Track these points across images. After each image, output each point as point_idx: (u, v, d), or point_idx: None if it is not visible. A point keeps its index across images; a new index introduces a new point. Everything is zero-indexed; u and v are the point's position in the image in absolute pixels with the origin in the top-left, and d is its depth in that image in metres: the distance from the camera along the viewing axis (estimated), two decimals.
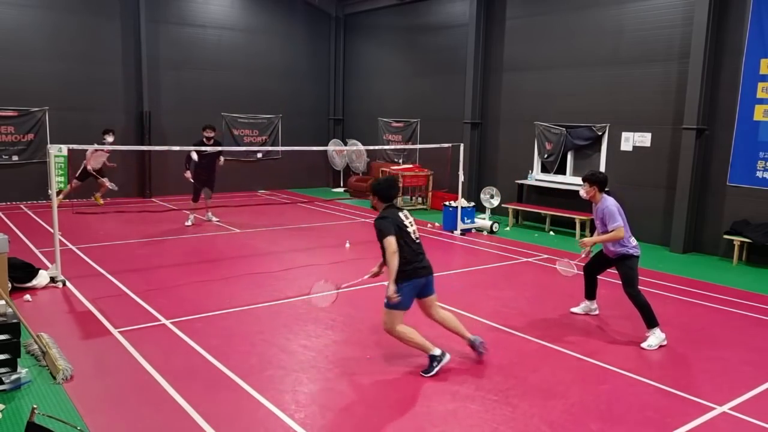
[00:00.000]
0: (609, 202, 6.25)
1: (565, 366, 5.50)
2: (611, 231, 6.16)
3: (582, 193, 6.48)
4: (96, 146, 11.94)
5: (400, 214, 5.30)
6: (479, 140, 14.54)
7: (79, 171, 12.65)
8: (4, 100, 13.76)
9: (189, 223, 11.84)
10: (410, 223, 5.33)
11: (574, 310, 7.05)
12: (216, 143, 11.86)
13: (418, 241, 5.31)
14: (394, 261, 4.99)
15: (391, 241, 5.02)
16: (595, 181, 6.32)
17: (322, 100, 18.99)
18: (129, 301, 7.10)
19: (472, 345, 5.54)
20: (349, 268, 8.96)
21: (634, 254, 6.29)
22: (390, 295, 5.05)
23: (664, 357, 5.81)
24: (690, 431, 4.41)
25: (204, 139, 11.61)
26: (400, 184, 14.84)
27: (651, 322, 6.07)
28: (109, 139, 12.71)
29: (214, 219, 12.36)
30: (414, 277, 5.19)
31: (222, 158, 11.92)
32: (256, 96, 17.41)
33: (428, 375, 5.17)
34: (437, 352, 5.24)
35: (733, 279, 8.88)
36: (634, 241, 6.38)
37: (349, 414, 4.55)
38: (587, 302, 7.00)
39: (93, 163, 12.74)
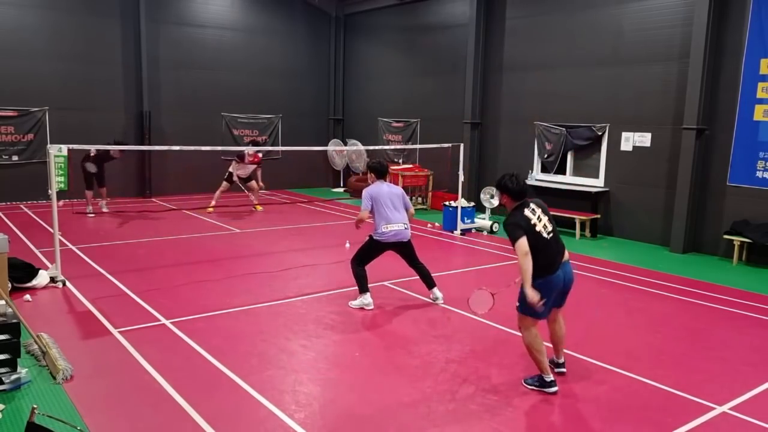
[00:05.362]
0: (367, 189, 7.06)
1: (566, 366, 5.49)
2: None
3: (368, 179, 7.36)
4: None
5: (526, 211, 4.87)
6: (479, 140, 14.54)
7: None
8: (4, 100, 13.76)
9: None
10: (538, 218, 4.86)
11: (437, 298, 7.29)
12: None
13: (550, 237, 4.85)
14: (526, 263, 4.66)
15: (521, 244, 4.68)
16: (371, 169, 7.24)
17: (322, 100, 18.98)
18: (129, 301, 7.10)
19: (555, 365, 5.29)
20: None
21: (374, 237, 7.00)
22: (531, 300, 4.65)
23: (665, 357, 5.81)
24: (690, 431, 4.41)
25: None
26: (400, 184, 14.86)
27: (362, 289, 7.04)
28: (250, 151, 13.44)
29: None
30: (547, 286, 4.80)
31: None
32: (256, 96, 17.41)
33: (528, 385, 5.00)
34: (549, 378, 4.96)
35: (733, 279, 8.88)
36: (382, 229, 6.93)
37: (349, 414, 4.55)
38: (433, 290, 7.34)
39: (240, 172, 13.57)
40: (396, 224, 6.94)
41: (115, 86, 15.23)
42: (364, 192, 7.04)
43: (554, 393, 4.90)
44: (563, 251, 5.00)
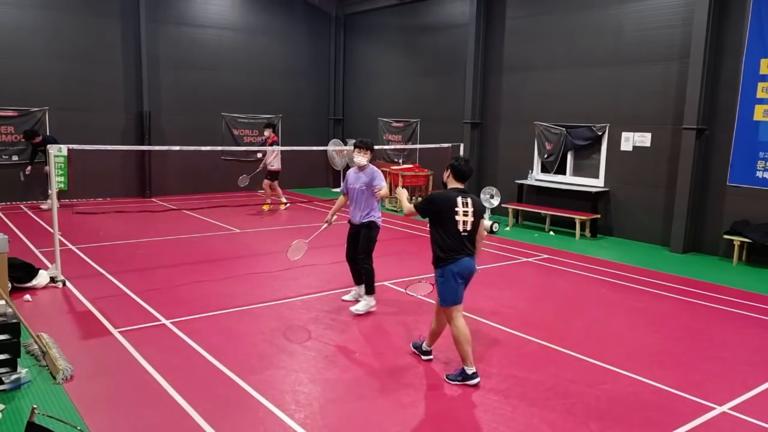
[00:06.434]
0: (375, 167, 6.95)
1: (565, 366, 5.50)
2: (380, 190, 6.68)
3: (362, 160, 6.86)
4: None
5: (459, 199, 5.01)
6: (479, 140, 14.54)
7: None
8: (4, 100, 13.75)
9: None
10: (464, 212, 4.97)
11: (346, 297, 7.20)
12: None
13: (464, 234, 4.99)
14: (409, 208, 5.37)
15: (412, 212, 5.30)
16: (372, 148, 6.97)
17: (322, 100, 18.98)
18: (129, 301, 7.10)
19: (423, 353, 5.51)
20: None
21: (379, 224, 6.87)
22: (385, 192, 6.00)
23: (665, 357, 5.81)
24: (690, 431, 4.41)
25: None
26: (400, 184, 14.84)
27: (369, 290, 6.83)
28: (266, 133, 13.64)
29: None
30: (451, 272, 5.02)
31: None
32: (256, 96, 17.40)
33: (451, 381, 5.08)
34: (471, 371, 5.05)
35: (733, 279, 8.88)
36: (380, 213, 6.95)
37: (349, 414, 4.55)
38: (356, 288, 7.17)
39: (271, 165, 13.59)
40: None
41: (115, 86, 15.22)
42: (380, 173, 6.90)
43: (476, 384, 4.98)
44: (473, 251, 5.17)
